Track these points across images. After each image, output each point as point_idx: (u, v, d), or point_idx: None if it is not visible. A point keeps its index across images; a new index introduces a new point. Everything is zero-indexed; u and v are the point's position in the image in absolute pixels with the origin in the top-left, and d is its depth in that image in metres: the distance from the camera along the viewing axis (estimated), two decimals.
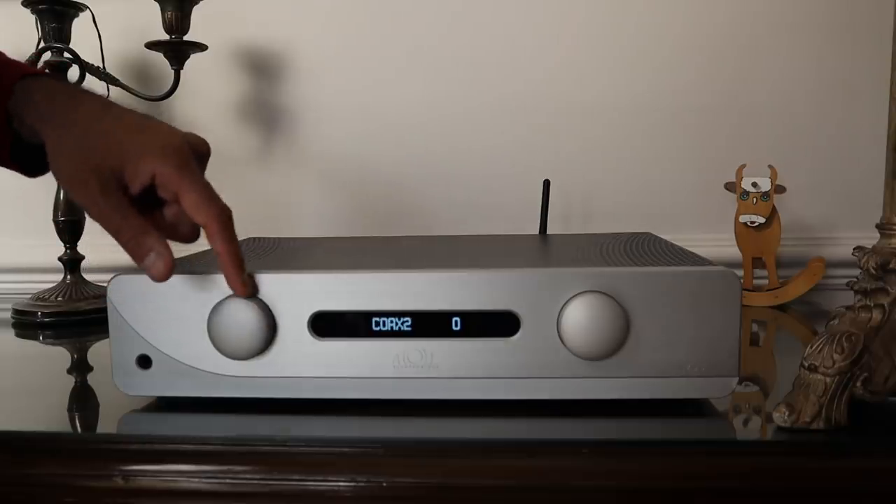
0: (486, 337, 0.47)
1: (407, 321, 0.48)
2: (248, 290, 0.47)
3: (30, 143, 0.50)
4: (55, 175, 0.47)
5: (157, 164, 0.45)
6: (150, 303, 0.49)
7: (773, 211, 0.83)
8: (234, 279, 0.46)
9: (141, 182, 0.45)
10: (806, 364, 0.45)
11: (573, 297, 0.46)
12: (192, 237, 0.49)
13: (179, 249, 0.49)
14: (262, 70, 1.00)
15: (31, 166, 0.53)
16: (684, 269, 0.47)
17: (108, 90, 0.87)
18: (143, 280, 0.49)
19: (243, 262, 0.47)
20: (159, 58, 0.87)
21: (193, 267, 0.49)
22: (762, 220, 0.83)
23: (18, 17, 0.83)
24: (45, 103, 0.48)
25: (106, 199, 0.45)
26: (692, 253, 0.56)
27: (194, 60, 0.88)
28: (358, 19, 0.98)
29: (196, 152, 0.48)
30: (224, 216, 0.46)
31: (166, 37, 0.85)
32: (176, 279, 0.49)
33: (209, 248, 0.47)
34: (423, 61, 0.98)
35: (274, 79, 1.00)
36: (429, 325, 0.47)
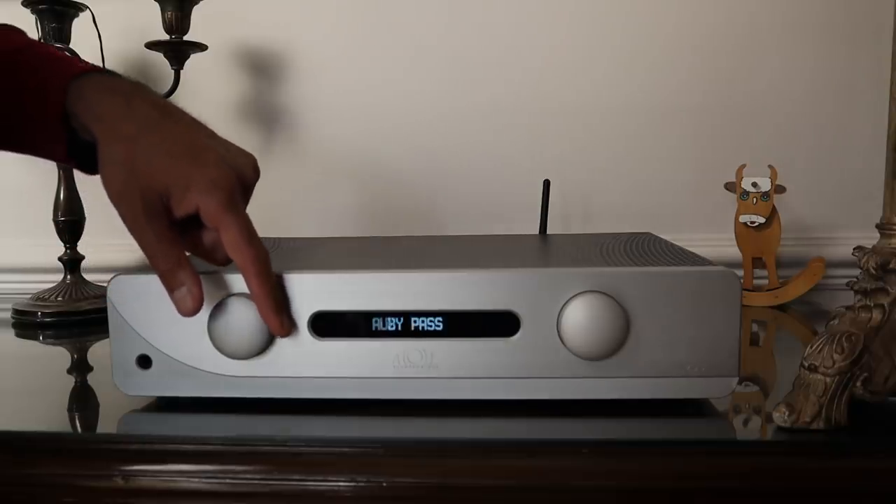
0: (486, 337, 0.47)
1: (407, 321, 0.48)
2: (287, 331, 0.47)
3: (86, 141, 0.49)
4: (103, 180, 0.46)
5: (203, 198, 0.44)
6: (150, 303, 0.49)
7: (773, 211, 0.83)
8: (272, 321, 0.46)
9: (185, 211, 0.45)
10: (806, 364, 0.45)
11: (573, 297, 0.46)
12: (225, 263, 0.48)
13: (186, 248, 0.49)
14: (262, 70, 1.00)
15: (89, 163, 0.52)
16: (684, 269, 0.47)
17: None
18: (143, 280, 0.49)
19: (280, 304, 0.47)
20: (159, 58, 0.87)
21: (193, 267, 0.49)
22: (762, 220, 0.83)
23: (18, 17, 0.83)
24: (99, 104, 0.47)
25: (148, 223, 0.44)
26: (692, 253, 0.56)
27: (194, 60, 0.88)
28: (358, 19, 0.98)
29: (243, 181, 0.47)
30: (261, 259, 0.45)
31: (166, 37, 0.85)
32: None
33: None
34: (422, 62, 0.98)
35: (274, 79, 1.00)
36: (429, 325, 0.47)
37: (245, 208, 0.46)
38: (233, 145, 0.49)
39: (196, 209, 0.44)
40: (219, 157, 0.46)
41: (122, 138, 0.45)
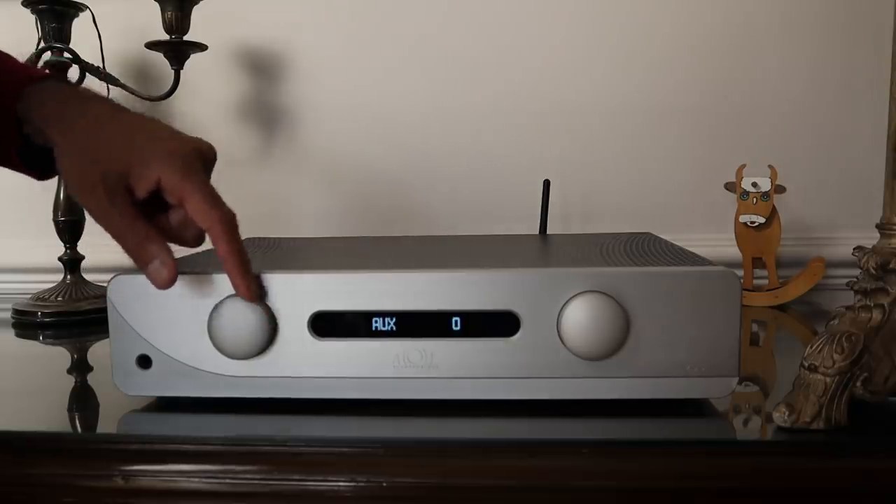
0: (486, 337, 0.47)
1: (407, 321, 0.48)
2: (254, 294, 0.47)
3: (39, 146, 0.50)
4: (63, 175, 0.47)
5: (163, 169, 0.45)
6: (150, 303, 0.49)
7: (773, 211, 0.83)
8: (239, 283, 0.46)
9: (146, 187, 0.45)
10: (806, 364, 0.45)
11: (573, 297, 0.46)
12: (196, 242, 0.49)
13: (180, 250, 0.49)
14: (262, 70, 1.00)
15: (41, 169, 0.53)
16: (684, 269, 0.47)
17: (108, 90, 0.87)
18: (143, 280, 0.49)
19: (249, 266, 0.47)
20: (159, 58, 0.87)
21: (193, 267, 0.49)
22: (762, 220, 0.83)
23: (18, 17, 0.83)
24: (53, 107, 0.48)
25: (112, 205, 0.45)
26: (692, 253, 0.56)
27: (194, 60, 0.88)
28: (357, 20, 0.98)
29: (202, 158, 0.48)
30: (227, 220, 0.46)
31: (166, 37, 0.85)
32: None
33: (209, 247, 0.47)
34: (422, 62, 0.98)
35: (274, 79, 1.00)
36: (429, 325, 0.47)
37: (207, 181, 0.47)
38: (181, 133, 0.49)
39: (157, 182, 0.45)
40: (173, 132, 0.48)
41: (79, 132, 0.46)
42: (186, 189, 0.45)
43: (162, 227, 0.48)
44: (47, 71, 0.52)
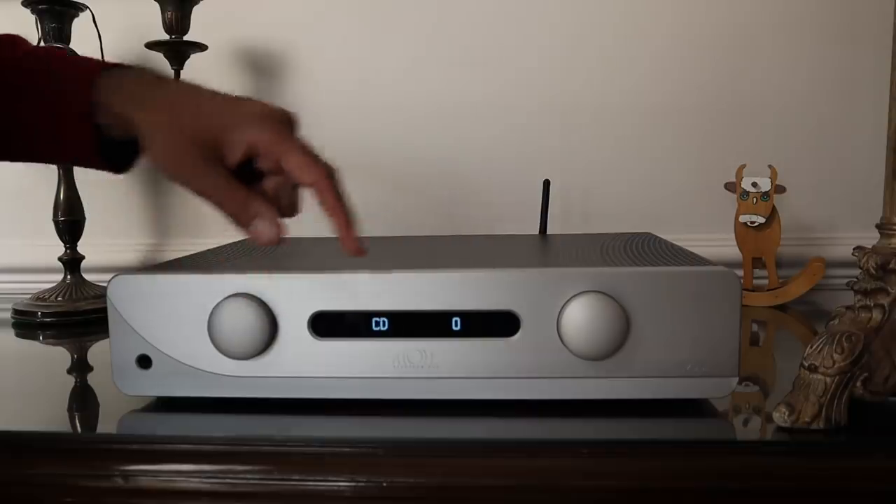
0: (486, 337, 0.47)
1: (407, 321, 0.48)
2: (361, 248, 0.46)
3: (114, 138, 0.49)
4: (151, 155, 0.46)
5: (256, 132, 0.44)
6: (150, 303, 0.49)
7: (773, 211, 0.83)
8: (348, 238, 0.45)
9: (239, 152, 0.44)
10: (806, 364, 0.45)
11: (573, 297, 0.46)
12: (293, 210, 0.48)
13: (182, 250, 0.48)
14: (262, 70, 1.00)
15: (117, 162, 0.51)
16: (684, 269, 0.47)
17: None
18: (143, 280, 0.49)
19: (355, 220, 0.46)
20: (159, 58, 0.87)
21: (193, 267, 0.49)
22: (762, 220, 0.83)
23: (18, 17, 0.83)
24: (130, 90, 0.47)
25: (207, 171, 0.44)
26: (692, 253, 0.56)
27: (194, 60, 0.88)
28: (357, 20, 0.98)
29: (290, 121, 0.47)
30: (332, 174, 0.45)
31: (166, 37, 0.85)
32: (176, 279, 0.49)
33: (209, 247, 0.46)
34: (422, 62, 0.98)
35: (274, 79, 1.00)
36: (429, 325, 0.47)
37: (301, 138, 0.46)
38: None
39: (251, 146, 0.44)
40: (258, 100, 0.46)
41: (162, 109, 0.45)
42: (285, 148, 0.44)
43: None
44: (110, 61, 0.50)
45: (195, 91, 0.47)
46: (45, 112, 0.48)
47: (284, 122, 0.46)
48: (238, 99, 0.47)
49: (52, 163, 0.52)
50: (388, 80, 0.98)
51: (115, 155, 0.50)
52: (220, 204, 0.45)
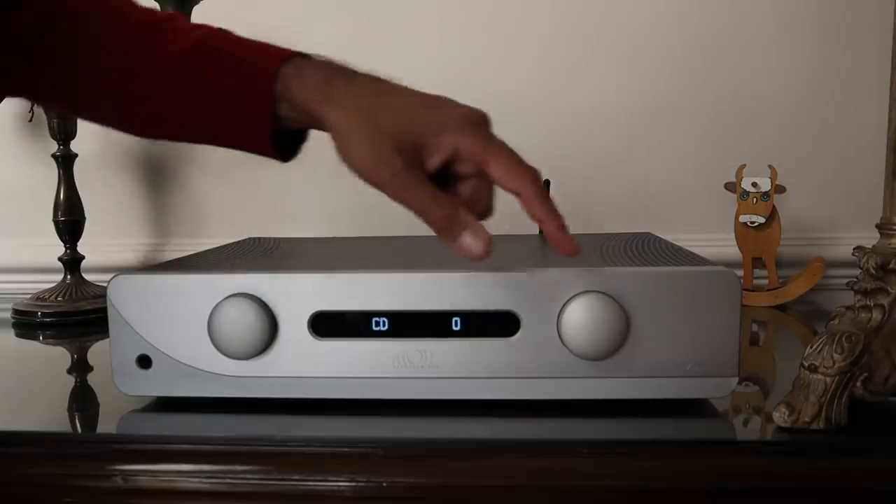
0: (486, 337, 0.47)
1: (407, 321, 0.48)
2: (578, 247, 0.44)
3: (287, 128, 0.48)
4: (347, 159, 0.44)
5: (460, 137, 0.42)
6: (150, 303, 0.49)
7: (773, 211, 0.83)
8: (563, 241, 0.43)
9: (441, 156, 0.43)
10: (806, 364, 0.45)
11: (573, 297, 0.46)
12: (488, 214, 0.46)
13: (182, 250, 0.48)
14: None
15: (284, 150, 0.50)
16: (684, 269, 0.47)
17: None
18: (143, 280, 0.49)
19: (565, 223, 0.44)
20: None
21: (193, 267, 0.49)
22: (762, 220, 0.83)
23: None
24: (318, 87, 0.45)
25: (412, 179, 0.42)
26: (692, 253, 0.56)
27: None
28: (357, 20, 0.98)
29: (488, 124, 0.46)
30: (538, 180, 0.43)
31: None
32: (176, 279, 0.49)
33: (209, 247, 0.46)
34: (422, 61, 0.98)
35: None
36: (429, 325, 0.47)
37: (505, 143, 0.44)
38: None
39: (453, 151, 0.43)
40: (456, 102, 0.45)
41: (356, 109, 0.44)
42: (491, 153, 0.43)
43: None
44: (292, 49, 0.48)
45: (386, 88, 0.45)
46: (222, 101, 0.47)
47: (486, 125, 0.45)
48: (433, 99, 0.45)
49: (221, 146, 0.50)
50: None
51: (284, 142, 0.49)
52: (425, 214, 0.43)
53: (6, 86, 0.51)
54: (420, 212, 0.43)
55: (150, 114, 0.49)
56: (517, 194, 0.43)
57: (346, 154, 0.44)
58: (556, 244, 0.44)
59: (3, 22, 0.47)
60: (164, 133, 0.51)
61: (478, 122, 0.44)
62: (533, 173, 0.43)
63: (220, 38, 0.49)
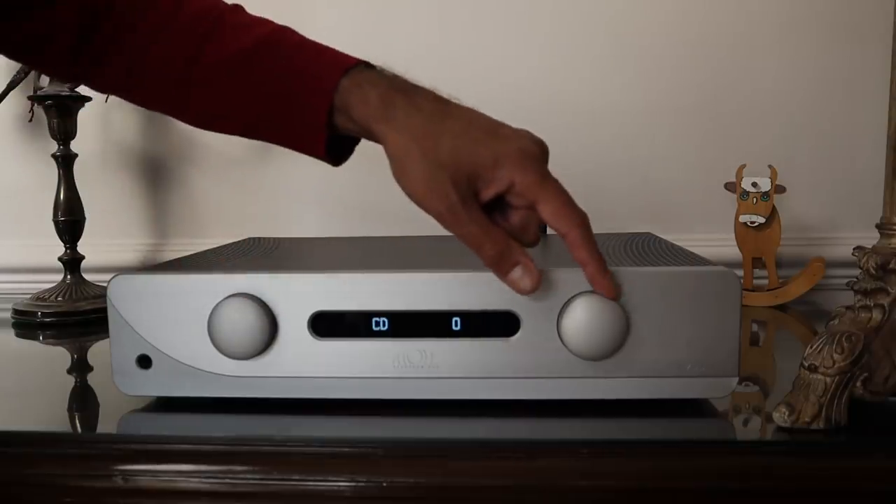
0: (486, 337, 0.47)
1: (407, 321, 0.48)
2: (618, 292, 0.46)
3: (344, 135, 0.48)
4: (400, 180, 0.44)
5: (517, 172, 0.43)
6: (150, 303, 0.49)
7: (773, 211, 0.83)
8: (604, 285, 0.45)
9: (496, 190, 0.43)
10: (806, 364, 0.45)
11: (573, 297, 0.46)
12: (535, 242, 0.46)
13: (193, 245, 0.49)
14: None
15: (337, 154, 0.51)
16: (684, 269, 0.47)
17: None
18: (143, 280, 0.49)
19: (605, 264, 0.45)
20: None
21: (193, 267, 0.49)
22: (762, 220, 0.83)
23: None
24: (379, 102, 0.45)
25: (467, 211, 0.43)
26: (692, 253, 0.56)
27: None
28: (357, 19, 0.98)
29: (546, 157, 0.46)
30: (585, 224, 0.44)
31: None
32: (176, 279, 0.49)
33: (209, 247, 0.46)
34: (421, 60, 0.98)
35: None
36: (429, 325, 0.47)
37: (559, 183, 0.45)
38: (517, 129, 0.47)
39: (509, 186, 0.43)
40: (514, 131, 0.45)
41: (416, 133, 0.44)
42: (544, 193, 0.43)
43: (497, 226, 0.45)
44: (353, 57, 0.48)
45: (445, 110, 0.45)
46: (280, 107, 0.47)
47: (544, 161, 0.45)
48: (492, 127, 0.45)
49: (274, 144, 0.51)
50: None
51: (337, 146, 0.49)
52: (477, 249, 0.44)
53: (67, 77, 0.51)
54: (472, 246, 0.44)
55: (205, 110, 0.50)
56: (563, 236, 0.44)
57: (402, 179, 0.44)
58: (595, 286, 0.45)
59: (47, 21, 0.48)
60: (218, 128, 0.52)
61: (535, 157, 0.44)
62: (580, 218, 0.44)
63: (281, 40, 0.49)
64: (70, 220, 0.86)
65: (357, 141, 0.50)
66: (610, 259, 0.53)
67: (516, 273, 0.44)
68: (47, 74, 0.52)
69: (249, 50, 0.48)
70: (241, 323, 0.47)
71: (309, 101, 0.47)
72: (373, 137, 0.46)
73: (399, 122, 0.44)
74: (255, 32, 0.48)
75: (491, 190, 0.43)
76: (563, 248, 0.64)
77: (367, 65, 0.48)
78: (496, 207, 0.45)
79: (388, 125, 0.44)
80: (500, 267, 0.44)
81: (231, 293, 0.48)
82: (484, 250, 0.44)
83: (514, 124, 0.47)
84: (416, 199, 0.44)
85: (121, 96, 0.52)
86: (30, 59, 0.52)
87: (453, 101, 0.47)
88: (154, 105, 0.52)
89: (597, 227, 0.44)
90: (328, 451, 0.44)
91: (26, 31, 0.48)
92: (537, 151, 0.44)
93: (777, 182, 0.82)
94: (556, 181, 0.44)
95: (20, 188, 1.01)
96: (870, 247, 0.47)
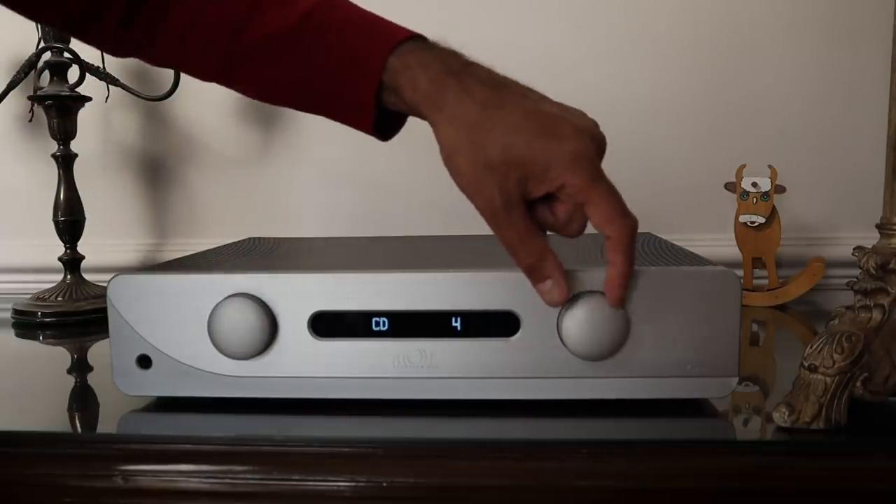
0: (485, 337, 0.47)
1: (407, 321, 0.48)
2: (624, 302, 0.46)
3: (390, 109, 0.47)
4: (449, 169, 0.44)
5: (568, 174, 0.41)
6: (150, 303, 0.49)
7: (773, 211, 0.83)
8: (617, 293, 0.45)
9: (546, 190, 0.42)
10: (806, 364, 0.45)
11: (573, 297, 0.46)
12: (578, 234, 0.45)
13: (193, 245, 0.48)
14: None
15: (385, 129, 0.50)
16: (684, 269, 0.47)
17: (109, 90, 0.87)
18: (143, 280, 0.49)
19: (630, 277, 0.45)
20: None
21: (193, 267, 0.49)
22: (762, 220, 0.83)
23: (19, 17, 0.83)
24: (430, 86, 0.43)
25: (509, 216, 0.42)
26: (692, 253, 0.56)
27: None
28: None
29: (601, 153, 0.45)
30: (631, 232, 0.43)
31: None
32: (176, 279, 0.49)
33: (209, 247, 0.46)
34: None
35: None
36: (429, 325, 0.47)
37: (611, 185, 0.43)
38: (572, 108, 0.45)
39: (560, 187, 0.42)
40: (573, 127, 0.43)
41: (467, 124, 0.42)
42: (595, 195, 0.42)
43: (541, 217, 0.44)
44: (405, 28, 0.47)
45: (498, 98, 0.43)
46: (328, 83, 0.47)
47: (598, 164, 0.43)
48: (548, 120, 0.43)
49: (323, 116, 0.50)
50: None
51: (385, 121, 0.48)
52: (513, 254, 0.43)
53: (117, 50, 0.51)
54: (509, 250, 0.44)
55: (254, 84, 0.50)
56: (609, 239, 0.43)
57: (451, 170, 0.44)
58: (608, 288, 0.45)
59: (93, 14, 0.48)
60: (268, 99, 0.51)
61: (589, 157, 0.42)
62: (626, 225, 0.43)
63: (327, 14, 0.47)
64: (70, 220, 0.86)
65: (406, 116, 0.49)
66: None
67: (546, 285, 0.44)
68: (98, 48, 0.52)
69: (295, 26, 0.47)
70: (241, 323, 0.47)
71: (356, 80, 0.46)
72: (424, 118, 0.45)
73: (450, 111, 0.43)
74: (301, 7, 0.47)
75: (541, 189, 0.42)
76: (563, 248, 0.65)
77: (417, 38, 0.46)
78: (544, 198, 0.44)
79: (439, 113, 0.43)
80: (532, 275, 0.44)
81: (231, 293, 0.48)
82: (519, 258, 0.44)
83: None
84: (462, 189, 0.44)
85: (173, 68, 0.51)
86: (79, 32, 0.52)
87: (510, 82, 0.45)
88: (206, 76, 0.51)
89: None
90: (328, 451, 0.44)
91: (75, 4, 0.48)
92: (592, 150, 0.43)
93: (777, 182, 0.82)
94: (607, 183, 0.43)
95: (20, 188, 1.01)
96: (870, 247, 0.47)
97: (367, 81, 0.45)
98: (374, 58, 0.45)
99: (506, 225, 0.43)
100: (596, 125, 0.45)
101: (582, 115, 0.45)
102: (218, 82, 0.51)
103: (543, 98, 0.45)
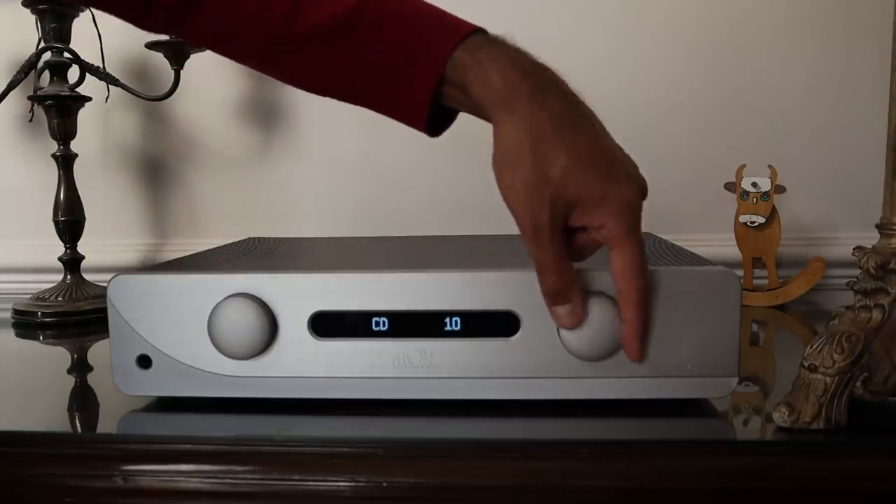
0: (485, 337, 0.47)
1: (407, 321, 0.48)
2: (644, 356, 0.46)
3: (445, 105, 0.46)
4: (498, 174, 0.43)
5: (613, 217, 0.42)
6: (150, 303, 0.49)
7: (773, 211, 0.83)
8: (635, 348, 0.45)
9: (587, 223, 0.42)
10: (806, 364, 0.45)
11: None
12: (578, 261, 0.45)
13: (183, 250, 0.48)
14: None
15: (437, 125, 0.48)
16: (684, 269, 0.47)
17: (109, 90, 0.87)
18: (143, 280, 0.49)
19: (646, 331, 0.46)
20: (159, 58, 0.87)
21: (193, 267, 0.49)
22: (762, 220, 0.83)
23: (19, 17, 0.83)
24: (503, 86, 0.42)
25: (550, 236, 0.42)
26: (692, 253, 0.56)
27: (194, 60, 0.88)
28: None
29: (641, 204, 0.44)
30: (645, 291, 0.44)
31: (166, 37, 0.85)
32: (176, 279, 0.49)
33: (209, 247, 0.46)
34: None
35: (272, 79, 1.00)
36: (429, 325, 0.47)
37: (643, 241, 0.44)
38: (628, 157, 0.45)
39: (600, 225, 0.42)
40: (627, 173, 0.43)
41: (536, 134, 0.41)
42: (627, 246, 0.42)
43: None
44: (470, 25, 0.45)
45: (574, 119, 0.43)
46: (381, 78, 0.46)
47: (639, 216, 0.43)
48: (611, 161, 0.43)
49: (370, 109, 0.49)
50: None
51: (438, 117, 0.47)
52: (540, 274, 0.44)
53: (159, 25, 0.51)
54: (537, 268, 0.44)
55: (299, 72, 0.49)
56: (620, 290, 0.44)
57: (502, 172, 0.43)
58: (626, 345, 0.46)
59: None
60: (318, 91, 0.50)
61: (634, 208, 0.43)
62: (643, 283, 0.44)
63: (384, 2, 0.46)
64: (70, 220, 0.86)
65: (457, 112, 0.48)
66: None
67: (563, 309, 0.45)
68: (139, 26, 0.51)
69: (351, 12, 0.45)
70: (241, 323, 0.47)
71: (415, 73, 0.44)
72: (484, 117, 0.44)
73: (520, 116, 0.42)
74: None
75: (583, 221, 0.42)
76: None
77: (481, 31, 0.45)
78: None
79: (508, 115, 0.42)
80: (554, 299, 0.44)
81: (231, 293, 0.48)
82: (545, 279, 0.44)
83: None
84: (508, 198, 0.42)
85: (215, 51, 0.50)
86: (120, 9, 0.51)
87: (579, 99, 0.45)
88: (248, 62, 0.50)
89: None
90: (328, 451, 0.44)
91: None
92: (638, 200, 0.43)
93: (777, 182, 0.82)
94: (640, 239, 0.43)
95: (20, 188, 1.01)
96: (870, 247, 0.47)
97: (427, 74, 0.44)
98: (439, 50, 0.43)
99: (545, 244, 0.42)
100: (643, 180, 0.45)
101: (634, 164, 0.45)
102: (259, 70, 0.50)
103: (605, 130, 0.45)
